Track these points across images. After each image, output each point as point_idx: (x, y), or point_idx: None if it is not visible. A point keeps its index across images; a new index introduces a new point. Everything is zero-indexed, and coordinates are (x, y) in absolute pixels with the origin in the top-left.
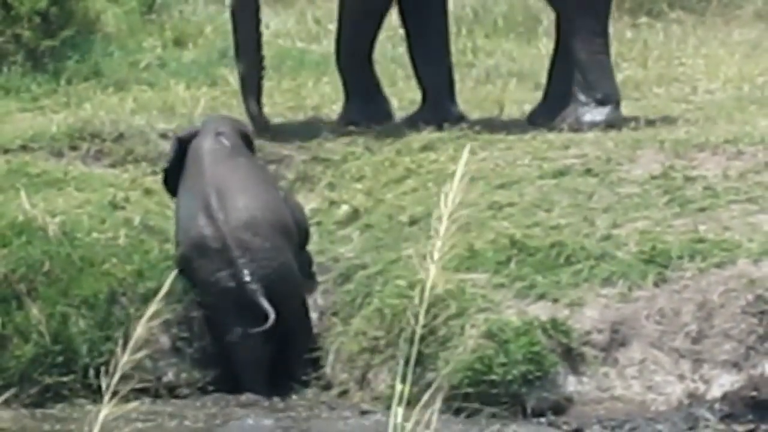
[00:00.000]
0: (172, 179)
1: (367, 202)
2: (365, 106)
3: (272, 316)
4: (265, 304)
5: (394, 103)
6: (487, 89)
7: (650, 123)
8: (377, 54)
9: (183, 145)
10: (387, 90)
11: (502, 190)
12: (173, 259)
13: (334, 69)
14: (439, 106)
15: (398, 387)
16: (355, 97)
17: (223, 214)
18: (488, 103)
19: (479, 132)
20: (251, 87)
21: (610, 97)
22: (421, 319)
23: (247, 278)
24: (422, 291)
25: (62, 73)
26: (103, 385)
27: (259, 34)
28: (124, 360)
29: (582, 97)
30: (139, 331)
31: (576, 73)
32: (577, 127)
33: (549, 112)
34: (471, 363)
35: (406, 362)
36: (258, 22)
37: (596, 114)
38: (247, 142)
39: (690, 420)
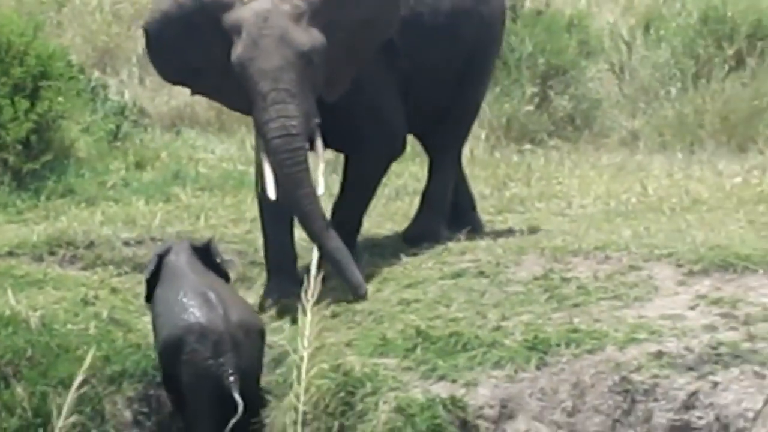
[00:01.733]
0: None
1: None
2: None
3: (241, 408)
4: (238, 397)
5: None
6: (396, 205)
7: (533, 232)
8: None
9: (161, 260)
10: None
11: (409, 288)
12: (161, 337)
13: None
14: None
15: None
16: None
17: (223, 310)
18: (398, 217)
19: (391, 240)
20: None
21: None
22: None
23: (230, 371)
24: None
25: (42, 192)
26: None
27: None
28: (60, 424)
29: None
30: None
31: (445, 193)
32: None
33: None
34: None
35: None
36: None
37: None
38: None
39: None
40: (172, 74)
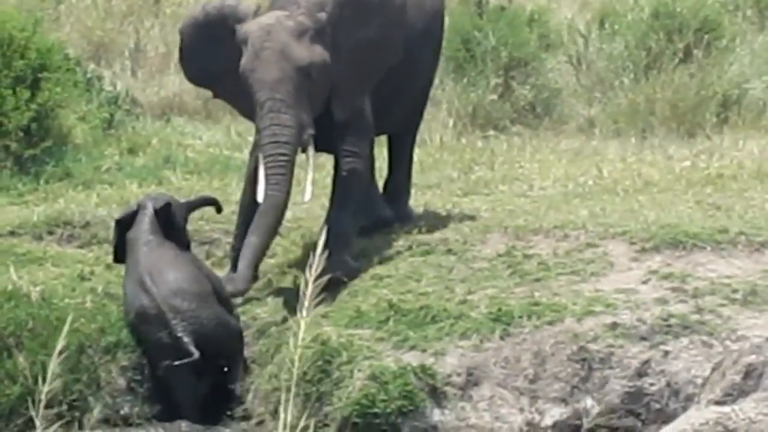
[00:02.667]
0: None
1: (279, 274)
2: None
3: (196, 355)
4: (191, 347)
5: None
6: None
7: (497, 213)
8: None
9: (123, 226)
10: None
11: (381, 265)
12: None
13: None
14: None
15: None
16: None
17: (156, 287)
18: None
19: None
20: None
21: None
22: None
23: (178, 333)
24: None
25: (42, 175)
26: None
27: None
28: (46, 389)
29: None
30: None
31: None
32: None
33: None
34: (358, 399)
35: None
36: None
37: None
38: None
39: None
40: (197, 78)
